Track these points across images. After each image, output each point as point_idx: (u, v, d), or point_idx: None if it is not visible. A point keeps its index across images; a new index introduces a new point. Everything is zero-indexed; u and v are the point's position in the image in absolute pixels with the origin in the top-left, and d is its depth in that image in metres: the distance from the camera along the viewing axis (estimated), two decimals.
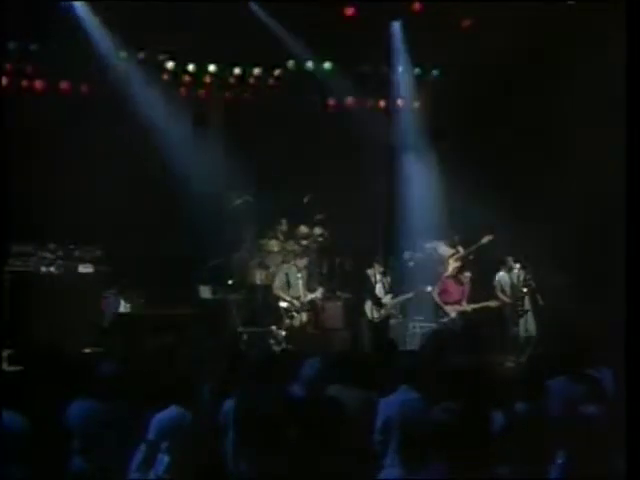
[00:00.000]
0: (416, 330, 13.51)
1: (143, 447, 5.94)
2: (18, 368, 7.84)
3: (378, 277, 13.52)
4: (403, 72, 15.68)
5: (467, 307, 13.54)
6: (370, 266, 13.58)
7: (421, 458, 4.91)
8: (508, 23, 13.33)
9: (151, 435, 5.99)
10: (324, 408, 5.89)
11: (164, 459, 5.79)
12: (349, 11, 14.98)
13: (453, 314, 13.44)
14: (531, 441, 5.80)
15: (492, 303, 13.54)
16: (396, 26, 15.22)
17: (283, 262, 13.35)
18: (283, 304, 13.00)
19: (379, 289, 13.48)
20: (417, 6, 14.97)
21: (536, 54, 13.78)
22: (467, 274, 13.68)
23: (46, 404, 6.43)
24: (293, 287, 13.12)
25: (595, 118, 12.73)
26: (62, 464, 6.36)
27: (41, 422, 6.27)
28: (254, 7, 14.34)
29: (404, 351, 8.59)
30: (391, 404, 6.28)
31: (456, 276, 13.70)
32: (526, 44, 13.44)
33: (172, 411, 6.06)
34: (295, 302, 13.08)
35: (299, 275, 13.21)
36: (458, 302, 13.60)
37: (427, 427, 4.57)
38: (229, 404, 6.27)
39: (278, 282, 13.14)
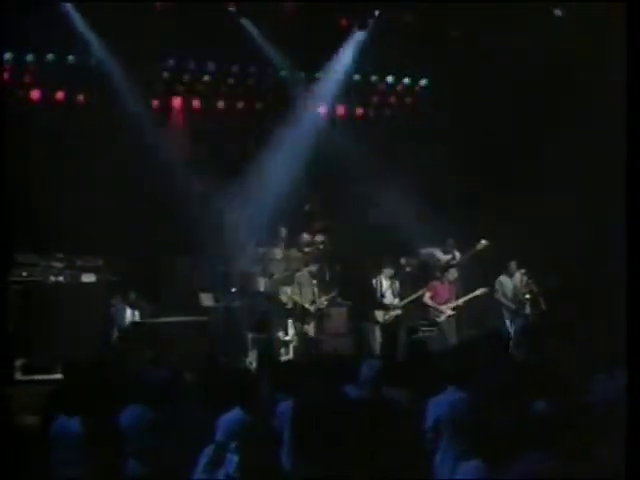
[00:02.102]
0: (418, 334, 13.70)
1: (211, 448, 6.07)
2: (58, 377, 7.92)
3: (386, 282, 13.70)
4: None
5: (458, 302, 13.74)
6: (375, 272, 13.75)
7: (495, 455, 5.09)
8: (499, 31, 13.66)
9: (219, 436, 6.13)
10: (378, 408, 6.13)
11: (233, 459, 5.91)
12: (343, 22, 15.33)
13: (448, 312, 13.61)
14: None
15: (479, 292, 13.74)
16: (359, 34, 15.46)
17: (295, 269, 13.47)
18: (297, 310, 13.14)
19: (389, 294, 13.67)
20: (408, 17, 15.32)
21: (532, 59, 14.06)
22: (453, 271, 13.87)
23: (99, 410, 6.56)
24: (306, 293, 13.29)
25: (594, 121, 13.00)
26: (117, 467, 6.49)
27: (95, 426, 6.42)
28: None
29: (448, 353, 8.79)
30: (441, 404, 6.50)
31: (443, 277, 13.91)
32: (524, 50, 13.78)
33: (237, 412, 6.21)
34: (310, 308, 13.27)
35: (313, 282, 13.39)
36: (449, 301, 13.78)
37: (503, 425, 4.76)
38: (284, 406, 6.45)
39: (291, 288, 13.27)
